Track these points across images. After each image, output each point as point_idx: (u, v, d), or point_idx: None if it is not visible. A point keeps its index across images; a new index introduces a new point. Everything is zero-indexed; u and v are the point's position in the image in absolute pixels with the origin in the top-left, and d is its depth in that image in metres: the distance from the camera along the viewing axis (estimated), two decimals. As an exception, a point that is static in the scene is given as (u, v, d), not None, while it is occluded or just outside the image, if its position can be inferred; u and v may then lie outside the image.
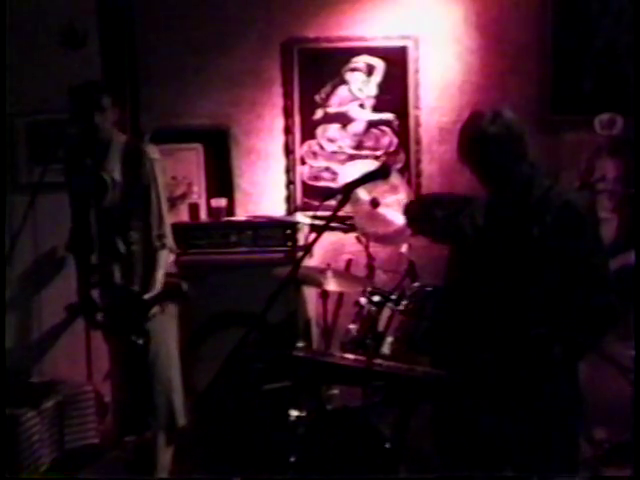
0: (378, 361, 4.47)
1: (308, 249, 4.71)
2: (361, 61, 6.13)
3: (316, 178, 6.23)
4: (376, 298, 4.77)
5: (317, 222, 5.44)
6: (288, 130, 6.22)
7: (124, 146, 4.77)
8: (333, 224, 5.47)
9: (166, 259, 4.76)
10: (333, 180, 6.20)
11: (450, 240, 3.98)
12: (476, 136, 3.47)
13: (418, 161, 6.18)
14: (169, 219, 4.86)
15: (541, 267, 3.41)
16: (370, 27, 6.12)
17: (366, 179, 3.42)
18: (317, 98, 6.19)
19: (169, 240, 4.78)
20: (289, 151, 6.24)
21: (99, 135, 4.72)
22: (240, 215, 6.13)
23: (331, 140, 6.21)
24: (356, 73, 6.14)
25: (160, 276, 4.70)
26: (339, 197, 3.32)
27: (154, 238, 4.71)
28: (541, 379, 3.41)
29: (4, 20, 5.37)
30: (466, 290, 3.66)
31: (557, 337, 3.38)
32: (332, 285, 4.83)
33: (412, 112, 6.14)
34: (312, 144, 6.23)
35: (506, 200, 3.55)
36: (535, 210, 3.45)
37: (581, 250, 3.39)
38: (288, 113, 6.21)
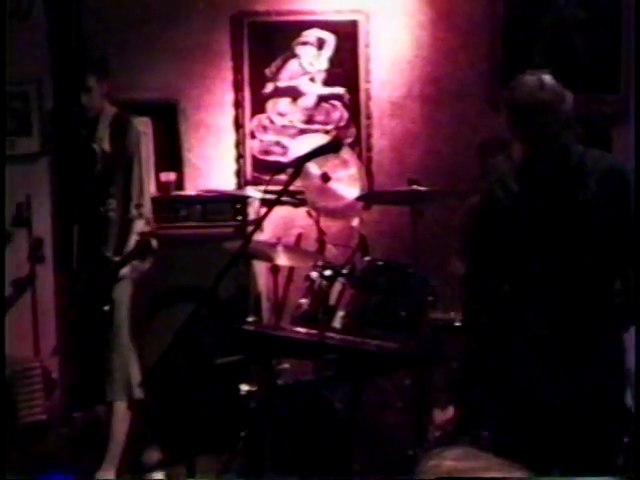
0: (330, 334, 4.47)
1: (259, 223, 4.71)
2: (312, 35, 6.10)
3: (266, 152, 6.20)
4: (327, 272, 4.74)
5: (268, 196, 5.41)
6: (238, 104, 6.18)
7: (113, 117, 4.93)
8: (284, 198, 5.49)
9: (141, 228, 4.87)
10: (283, 154, 6.16)
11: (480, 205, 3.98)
12: (526, 103, 3.50)
13: (369, 135, 6.16)
14: (149, 191, 5.03)
15: (588, 231, 3.48)
16: (321, 1, 6.10)
17: (317, 153, 3.41)
18: (267, 72, 6.15)
19: (146, 210, 4.92)
20: (239, 125, 6.19)
21: (88, 113, 4.89)
22: (190, 189, 6.09)
23: (281, 114, 6.18)
24: (307, 47, 6.11)
25: (132, 243, 4.82)
26: (290, 171, 3.37)
27: (132, 207, 4.84)
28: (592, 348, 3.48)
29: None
30: (502, 258, 3.68)
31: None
32: (282, 259, 4.84)
33: (363, 86, 6.12)
34: (262, 118, 6.19)
35: (546, 164, 3.60)
36: (575, 174, 3.52)
37: (627, 214, 3.46)
38: (238, 87, 6.17)
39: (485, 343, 3.87)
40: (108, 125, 4.92)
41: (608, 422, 3.51)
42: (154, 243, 4.81)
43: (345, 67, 6.13)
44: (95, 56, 4.99)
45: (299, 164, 3.43)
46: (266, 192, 5.48)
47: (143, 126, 4.94)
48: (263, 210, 5.59)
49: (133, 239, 4.83)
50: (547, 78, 3.53)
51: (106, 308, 4.79)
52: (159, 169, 6.00)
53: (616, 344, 3.59)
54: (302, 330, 4.56)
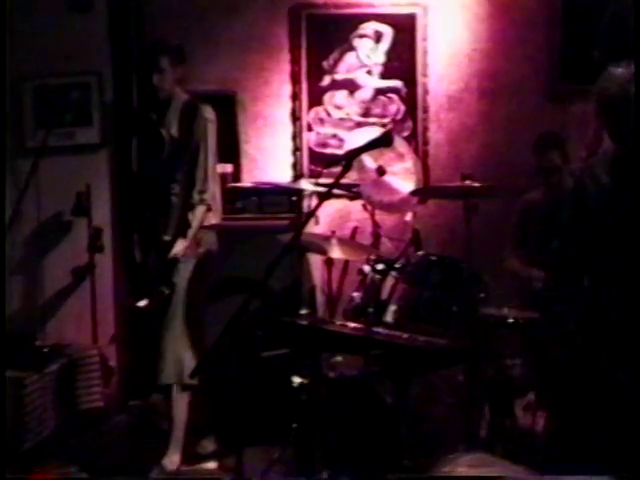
0: (378, 329, 4.44)
1: (310, 215, 4.78)
2: (369, 28, 6.12)
3: (323, 145, 6.23)
4: (380, 266, 4.70)
5: (321, 189, 5.45)
6: (295, 96, 6.21)
7: (183, 104, 4.96)
8: (339, 191, 5.50)
9: (202, 215, 4.91)
10: (340, 147, 6.18)
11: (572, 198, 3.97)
12: (617, 97, 3.53)
13: (425, 129, 6.18)
14: (215, 179, 5.07)
15: None
16: None
17: (368, 147, 3.39)
18: (325, 64, 6.18)
19: (209, 197, 4.93)
20: (296, 117, 6.23)
21: (159, 94, 4.91)
22: (246, 181, 6.12)
23: (338, 107, 6.21)
24: (364, 40, 6.13)
25: (194, 229, 4.87)
26: (343, 164, 3.32)
27: (195, 192, 4.86)
28: None
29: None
30: (587, 251, 3.68)
31: None
32: (337, 252, 4.77)
33: (420, 80, 6.14)
34: (319, 111, 6.22)
35: (632, 160, 3.57)
36: None
37: None
38: (295, 79, 6.20)
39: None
40: (179, 111, 4.96)
41: None
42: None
43: (402, 60, 6.14)
44: (171, 41, 5.00)
45: (351, 157, 3.44)
46: (319, 185, 5.52)
47: (212, 114, 4.95)
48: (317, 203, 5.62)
49: (194, 225, 4.87)
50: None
51: (166, 291, 4.82)
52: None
53: None
54: (350, 325, 4.55)
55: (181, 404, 4.97)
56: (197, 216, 4.89)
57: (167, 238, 4.85)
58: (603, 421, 3.49)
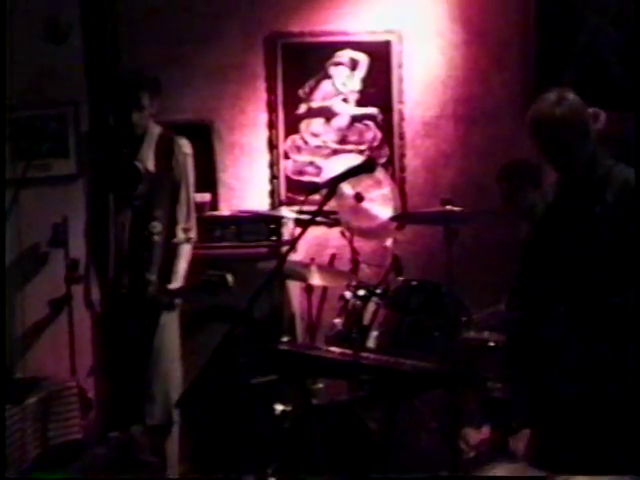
0: (364, 354, 4.47)
1: (293, 244, 4.80)
2: (345, 55, 6.17)
3: (300, 172, 6.26)
4: (361, 292, 4.77)
5: (302, 216, 5.48)
6: (272, 125, 6.25)
7: (158, 137, 4.89)
8: (318, 219, 5.49)
9: (189, 253, 4.89)
10: (317, 175, 6.20)
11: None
12: (543, 118, 3.64)
13: (402, 155, 6.21)
14: (194, 213, 5.00)
15: (605, 244, 3.57)
16: (354, 22, 6.17)
17: (351, 173, 3.41)
18: (301, 93, 6.22)
19: (194, 234, 4.92)
20: (273, 146, 6.26)
21: (136, 130, 4.83)
22: (224, 210, 6.15)
23: (315, 134, 6.25)
24: (340, 67, 6.18)
25: (183, 268, 4.83)
26: (324, 191, 3.37)
27: (180, 231, 4.85)
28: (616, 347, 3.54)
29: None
30: (542, 264, 3.81)
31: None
32: (316, 279, 4.86)
33: (396, 106, 6.18)
34: (296, 139, 6.26)
35: (572, 178, 3.73)
36: (598, 188, 3.64)
37: (635, 226, 3.53)
38: (272, 108, 6.24)
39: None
40: (154, 145, 4.89)
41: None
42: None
43: (378, 87, 6.18)
44: (149, 75, 4.93)
45: (333, 185, 3.42)
46: (300, 212, 5.56)
47: (189, 148, 4.92)
48: (297, 230, 5.64)
49: (183, 265, 4.83)
50: (568, 95, 3.66)
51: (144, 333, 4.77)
52: (194, 190, 6.06)
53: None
54: (336, 350, 4.56)
55: (173, 438, 4.95)
56: (184, 255, 4.86)
57: (152, 277, 4.79)
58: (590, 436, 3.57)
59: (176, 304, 4.87)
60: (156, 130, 4.92)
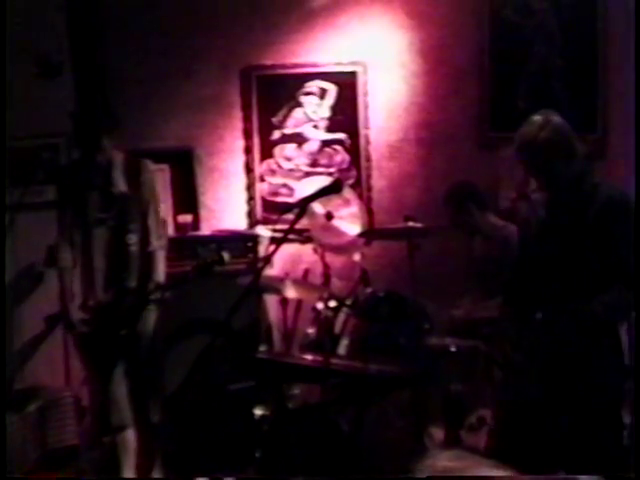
0: (335, 360, 4.61)
1: (267, 260, 4.94)
2: (314, 85, 6.40)
3: (274, 194, 6.46)
4: (332, 303, 4.94)
5: (277, 235, 5.68)
6: (248, 150, 6.46)
7: (124, 161, 5.04)
8: (291, 236, 5.76)
9: (164, 258, 5.09)
10: (290, 195, 6.42)
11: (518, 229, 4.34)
12: (529, 141, 3.75)
13: (369, 177, 6.43)
14: (163, 222, 5.22)
15: (587, 258, 3.72)
16: (322, 54, 6.41)
17: (320, 194, 3.54)
18: (274, 120, 6.43)
19: (165, 239, 5.14)
20: (249, 169, 6.47)
21: (101, 163, 5.00)
22: (205, 230, 6.35)
23: (288, 159, 6.45)
24: (310, 97, 6.40)
25: (162, 270, 5.03)
26: (296, 211, 3.50)
27: (153, 239, 5.02)
28: (592, 347, 3.70)
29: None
30: (528, 273, 3.98)
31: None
32: (291, 293, 4.96)
33: (362, 132, 6.41)
34: (270, 163, 6.47)
35: (559, 196, 3.84)
36: (582, 205, 3.74)
37: (615, 242, 3.67)
38: (248, 134, 6.44)
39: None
40: (122, 168, 5.02)
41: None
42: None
43: (346, 114, 6.41)
44: (105, 113, 4.99)
45: (304, 204, 3.56)
46: (275, 231, 5.77)
47: (153, 166, 5.14)
48: (272, 247, 5.85)
49: (161, 268, 5.03)
50: (553, 118, 3.79)
51: (122, 332, 4.92)
52: (177, 212, 6.30)
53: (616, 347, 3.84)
54: (309, 357, 4.70)
55: (135, 448, 5.10)
56: (161, 260, 5.04)
57: (131, 285, 4.96)
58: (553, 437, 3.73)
59: (150, 308, 5.04)
60: (119, 156, 5.05)
